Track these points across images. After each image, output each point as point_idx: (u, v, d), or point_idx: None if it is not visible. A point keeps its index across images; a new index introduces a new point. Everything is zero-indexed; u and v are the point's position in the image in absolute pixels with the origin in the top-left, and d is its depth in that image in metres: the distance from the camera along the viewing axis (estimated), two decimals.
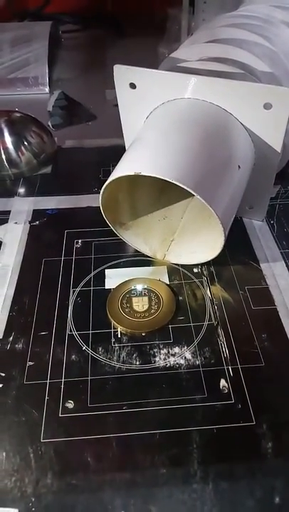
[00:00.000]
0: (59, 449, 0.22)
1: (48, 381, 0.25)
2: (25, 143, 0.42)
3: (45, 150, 0.43)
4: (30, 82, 0.60)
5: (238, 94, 0.27)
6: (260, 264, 0.32)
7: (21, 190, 0.40)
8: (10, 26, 0.71)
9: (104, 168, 0.42)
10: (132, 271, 0.32)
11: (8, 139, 0.41)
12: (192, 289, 0.30)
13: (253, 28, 0.35)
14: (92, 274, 0.32)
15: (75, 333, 0.28)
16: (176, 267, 0.32)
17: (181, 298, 0.30)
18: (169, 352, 0.26)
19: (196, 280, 0.31)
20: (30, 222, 0.36)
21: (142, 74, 0.30)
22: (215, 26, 0.37)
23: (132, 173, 0.26)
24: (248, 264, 0.32)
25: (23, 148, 0.42)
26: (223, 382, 0.25)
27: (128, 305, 0.29)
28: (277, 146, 0.29)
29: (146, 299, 0.29)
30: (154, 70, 0.30)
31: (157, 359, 0.26)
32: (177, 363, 0.26)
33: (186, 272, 0.32)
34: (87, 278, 0.31)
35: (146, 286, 0.30)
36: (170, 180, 0.25)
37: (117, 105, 0.32)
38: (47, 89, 0.60)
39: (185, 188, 0.25)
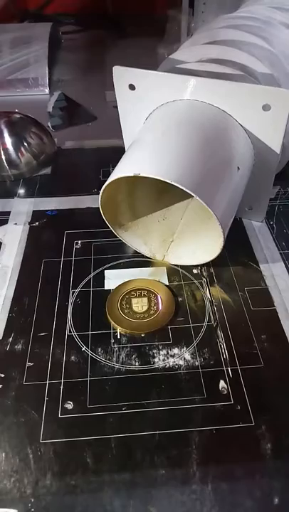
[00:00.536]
0: (58, 450, 0.22)
1: (47, 382, 0.25)
2: (25, 144, 0.42)
3: (45, 151, 0.43)
4: (30, 83, 0.60)
5: (238, 95, 0.27)
6: (260, 265, 0.32)
7: (21, 191, 0.40)
8: (10, 27, 0.71)
9: (104, 169, 0.42)
10: (132, 272, 0.32)
11: (8, 140, 0.41)
12: (191, 289, 0.30)
13: (252, 30, 0.35)
14: (91, 275, 0.32)
15: (74, 333, 0.28)
16: (176, 267, 0.32)
17: (180, 299, 0.30)
18: (168, 353, 0.26)
19: (195, 281, 0.31)
20: (30, 223, 0.36)
21: (142, 75, 0.30)
22: (214, 27, 0.37)
23: (132, 174, 0.26)
24: (248, 265, 0.32)
25: (22, 149, 0.42)
26: (222, 383, 0.25)
27: (127, 306, 0.29)
28: (277, 148, 0.29)
29: (145, 299, 0.30)
30: (153, 72, 0.30)
31: (156, 360, 0.26)
32: (176, 364, 0.26)
33: (185, 272, 0.32)
34: (87, 279, 0.31)
35: (145, 287, 0.30)
36: (169, 182, 0.25)
37: (116, 106, 0.33)
38: (47, 90, 0.60)
39: (184, 189, 0.25)
